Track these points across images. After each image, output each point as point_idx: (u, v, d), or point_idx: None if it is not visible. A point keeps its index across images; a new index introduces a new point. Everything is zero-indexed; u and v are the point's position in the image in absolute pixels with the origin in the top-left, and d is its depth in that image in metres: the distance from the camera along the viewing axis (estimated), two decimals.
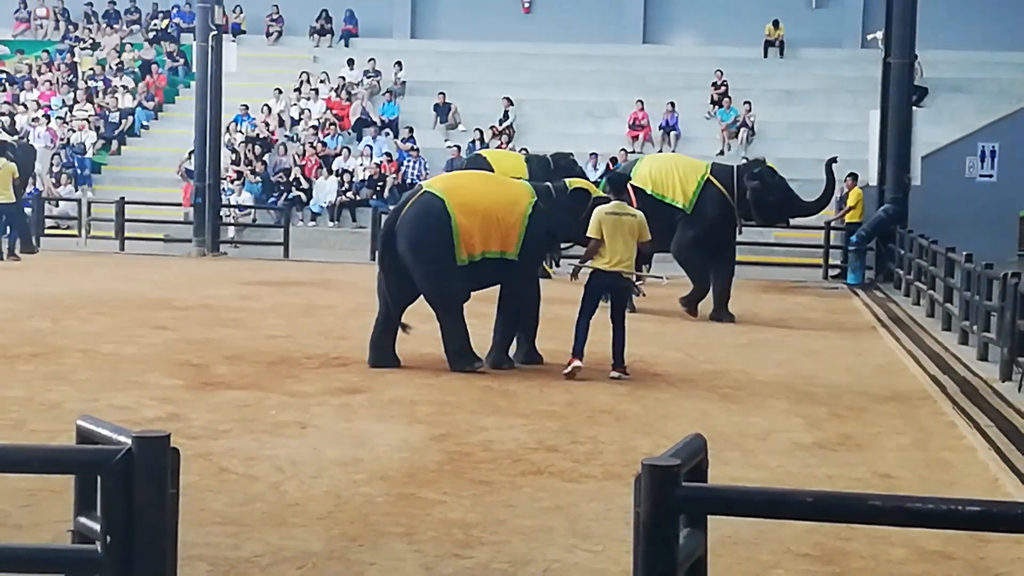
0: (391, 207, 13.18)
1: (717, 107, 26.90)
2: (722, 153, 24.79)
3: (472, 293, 10.92)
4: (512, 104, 26.91)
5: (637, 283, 11.91)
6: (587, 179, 15.06)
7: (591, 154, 23.78)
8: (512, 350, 11.09)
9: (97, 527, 3.81)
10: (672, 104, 26.41)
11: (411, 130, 26.24)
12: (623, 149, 24.40)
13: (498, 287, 11.05)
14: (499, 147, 24.26)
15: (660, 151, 24.46)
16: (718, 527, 3.66)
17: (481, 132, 25.78)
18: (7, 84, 28.80)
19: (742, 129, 25.95)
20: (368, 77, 28.48)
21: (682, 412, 9.35)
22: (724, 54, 28.86)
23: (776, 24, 29.26)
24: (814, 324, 15.00)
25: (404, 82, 28.47)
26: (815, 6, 30.20)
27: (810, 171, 20.30)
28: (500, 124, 26.43)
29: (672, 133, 26.18)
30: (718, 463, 3.87)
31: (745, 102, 26.34)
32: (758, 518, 3.41)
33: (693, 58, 29.32)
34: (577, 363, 10.55)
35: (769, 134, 26.21)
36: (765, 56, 29.31)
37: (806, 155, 23.64)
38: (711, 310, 14.91)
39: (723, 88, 27.06)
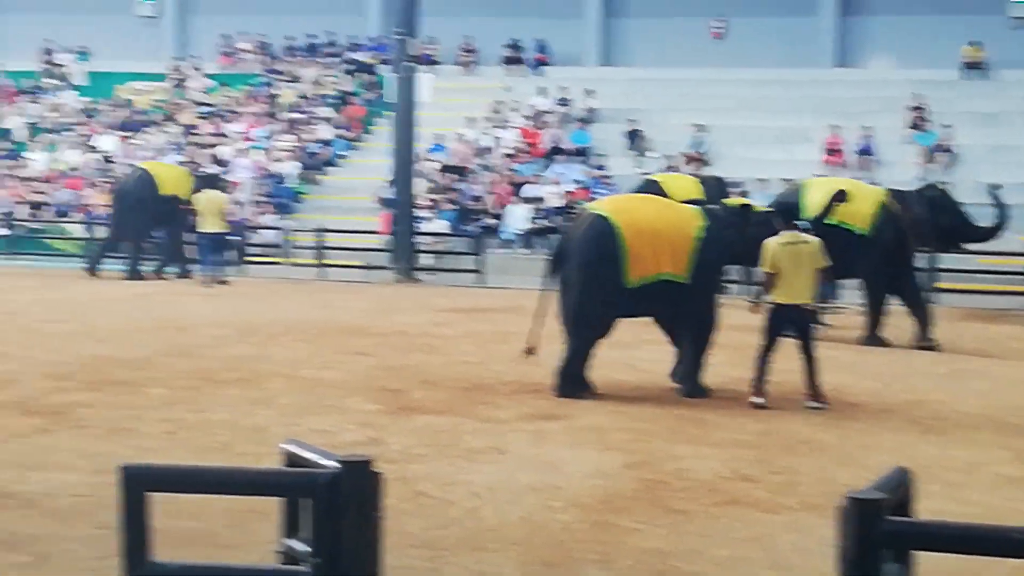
0: None
1: (914, 131, 26.28)
2: (921, 178, 24.21)
3: (632, 319, 10.85)
4: (703, 130, 26.78)
5: (820, 313, 11.64)
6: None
7: (758, 179, 23.45)
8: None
9: (304, 548, 3.92)
10: (867, 128, 25.90)
11: (602, 157, 26.33)
12: (816, 174, 24.04)
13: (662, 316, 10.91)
14: (692, 174, 24.22)
15: (854, 177, 24.00)
16: (922, 562, 3.59)
17: (671, 159, 25.71)
18: (213, 117, 29.92)
19: (941, 153, 25.28)
20: (559, 105, 28.71)
21: (881, 443, 9.14)
22: (920, 76, 28.20)
23: (976, 45, 28.47)
24: (1020, 354, 14.49)
25: (595, 109, 28.61)
26: (1015, 27, 29.28)
27: (1015, 196, 19.65)
28: (691, 150, 26.32)
29: (868, 158, 25.67)
30: (920, 496, 3.79)
31: (944, 125, 25.66)
32: (964, 554, 3.33)
33: (888, 81, 28.73)
34: (758, 399, 10.39)
35: (969, 158, 25.48)
36: (964, 78, 28.53)
37: (1010, 179, 22.89)
38: (911, 336, 14.55)
39: (920, 111, 26.43)
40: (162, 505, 3.89)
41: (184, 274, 21.40)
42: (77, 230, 24.87)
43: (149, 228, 21.61)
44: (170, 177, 21.73)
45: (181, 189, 21.32)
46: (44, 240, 25.76)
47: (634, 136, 27.30)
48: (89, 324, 14.96)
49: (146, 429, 9.04)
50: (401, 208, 22.69)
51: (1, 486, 7.39)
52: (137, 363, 12.01)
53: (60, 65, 31.46)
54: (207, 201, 20.44)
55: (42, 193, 26.31)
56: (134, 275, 21.15)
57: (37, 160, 27.73)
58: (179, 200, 21.16)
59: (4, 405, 9.74)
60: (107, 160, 27.52)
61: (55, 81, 31.06)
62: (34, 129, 29.47)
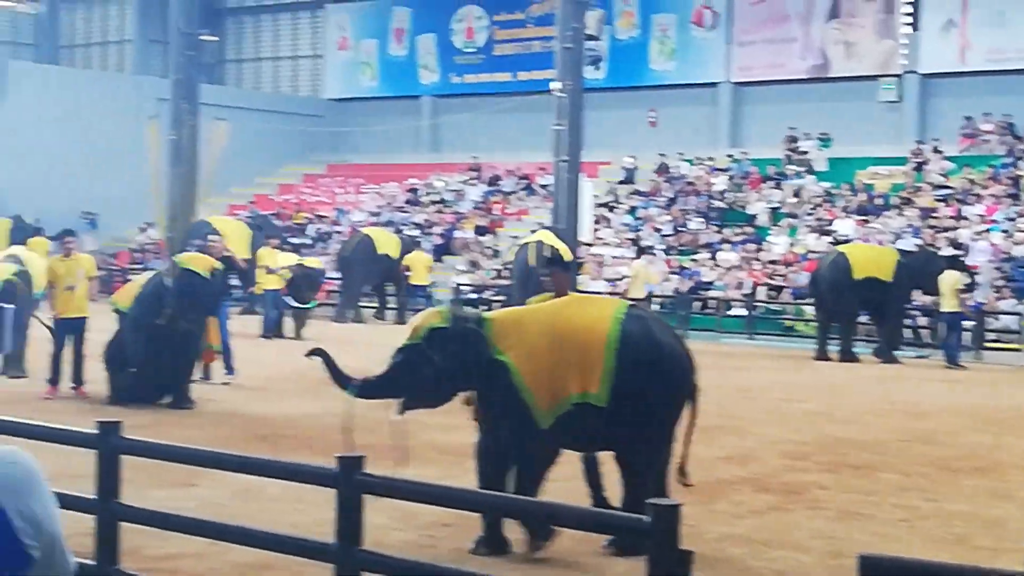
0: None
1: None
2: None
3: None
4: None
5: None
6: None
7: None
8: None
9: None
10: None
11: None
12: None
13: None
14: None
15: None
16: None
17: None
18: (951, 199, 29.40)
19: None
20: None
21: None
22: None
23: None
24: None
25: None
26: None
27: None
28: None
29: None
30: None
31: None
32: None
33: None
34: None
35: None
36: None
37: None
38: None
39: None
40: None
41: (891, 359, 21.07)
42: (814, 312, 25.40)
43: (856, 308, 21.69)
44: (866, 259, 21.65)
45: (880, 271, 21.15)
46: (782, 321, 26.61)
47: None
48: (826, 404, 15.21)
49: (881, 515, 9.00)
50: None
51: (739, 560, 7.69)
52: (873, 446, 12.01)
53: (803, 152, 32.53)
54: (945, 281, 20.30)
55: (781, 276, 27.23)
56: (847, 356, 21.15)
57: (778, 244, 28.78)
58: (879, 283, 21.03)
59: (741, 481, 10.13)
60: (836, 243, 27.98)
61: (797, 168, 32.15)
62: (776, 214, 30.64)
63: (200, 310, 13.90)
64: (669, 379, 7.63)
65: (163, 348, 13.33)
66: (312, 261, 23.29)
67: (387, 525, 7.77)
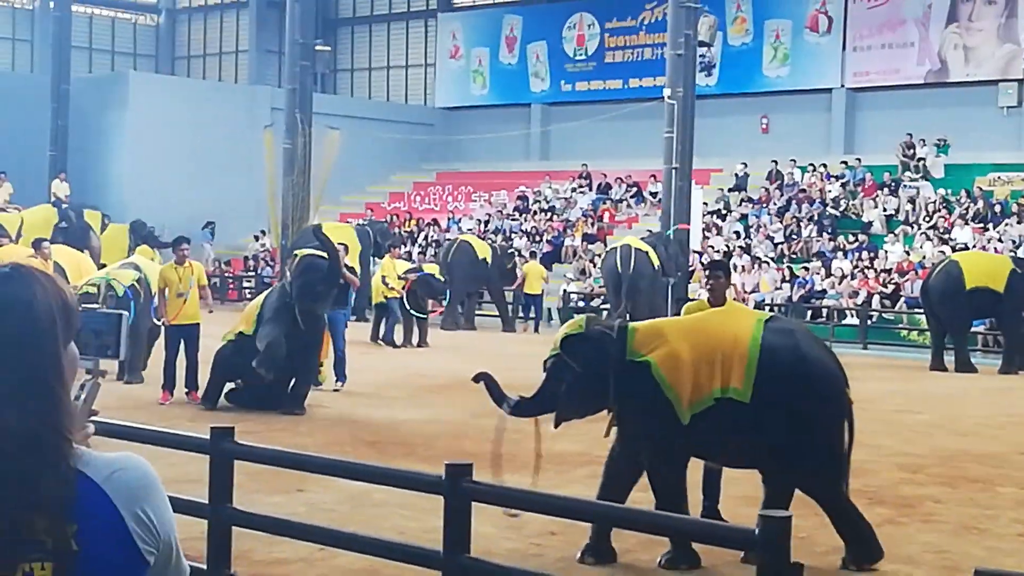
0: None
1: None
2: None
3: None
4: None
5: None
6: None
7: None
8: None
9: None
10: None
11: None
12: None
13: None
14: None
15: None
16: None
17: None
18: None
19: None
20: None
21: None
22: None
23: None
24: None
25: None
26: None
27: None
28: None
29: None
30: None
31: None
32: None
33: None
34: None
35: None
36: None
37: None
38: None
39: None
40: None
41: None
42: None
43: (969, 318, 21.22)
44: (978, 268, 21.09)
45: (993, 280, 20.61)
46: (897, 330, 26.15)
47: None
48: (942, 416, 14.90)
49: (997, 529, 8.79)
50: None
51: (850, 574, 7.56)
52: (990, 459, 11.74)
53: (920, 158, 31.97)
54: None
55: (895, 284, 26.77)
56: (963, 366, 20.65)
57: (893, 252, 28.30)
58: (992, 293, 20.50)
59: (855, 493, 9.92)
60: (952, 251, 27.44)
61: (913, 174, 31.61)
62: (891, 222, 30.14)
63: (325, 288, 13.88)
64: (813, 384, 7.49)
65: (289, 359, 13.45)
66: (431, 268, 23.46)
67: (494, 533, 7.78)
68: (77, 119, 34.07)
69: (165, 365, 14.21)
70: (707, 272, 8.64)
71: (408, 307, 22.16)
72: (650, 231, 29.04)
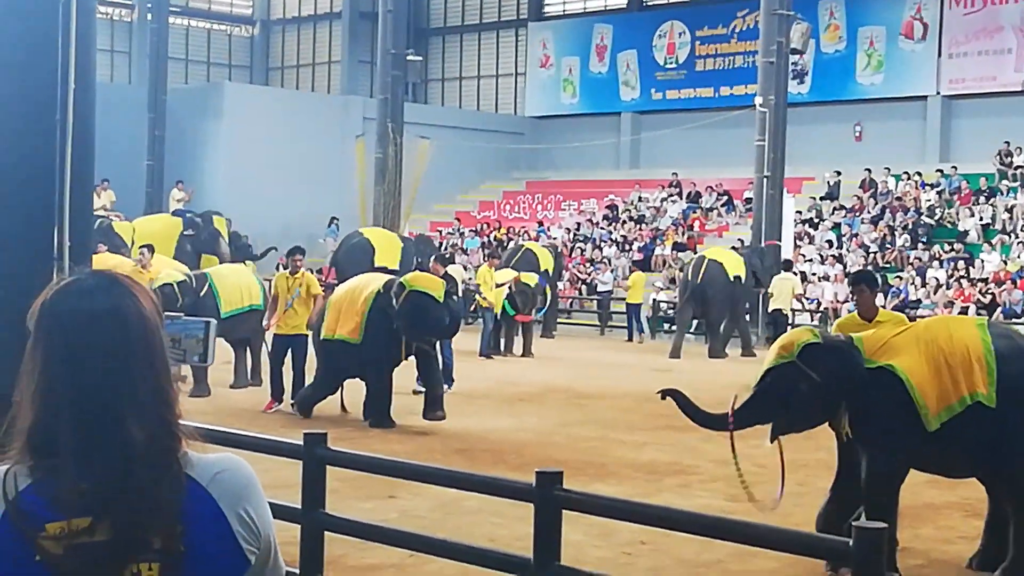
0: None
1: None
2: None
3: None
4: None
5: None
6: None
7: None
8: None
9: None
10: None
11: None
12: None
13: None
14: None
15: None
16: None
17: None
18: None
19: None
20: None
21: None
22: None
23: None
24: None
25: None
26: None
27: None
28: None
29: None
30: None
31: None
32: None
33: None
34: None
35: None
36: None
37: None
38: None
39: None
40: None
41: None
42: None
43: None
44: None
45: None
46: None
47: None
48: None
49: None
50: None
51: None
52: None
53: (1017, 167, 31.39)
54: None
55: (992, 295, 26.32)
56: None
57: (989, 261, 27.83)
58: None
59: (950, 506, 9.80)
60: None
61: (1010, 183, 31.04)
62: (988, 231, 29.63)
63: (434, 333, 13.60)
64: None
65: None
66: (528, 277, 23.45)
67: (585, 541, 7.78)
68: (173, 129, 34.66)
69: (271, 374, 14.23)
70: (850, 286, 8.60)
71: (508, 313, 22.16)
72: (741, 241, 28.83)
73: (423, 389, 15.17)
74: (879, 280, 9.66)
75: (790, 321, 24.03)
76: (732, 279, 23.75)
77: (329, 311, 13.68)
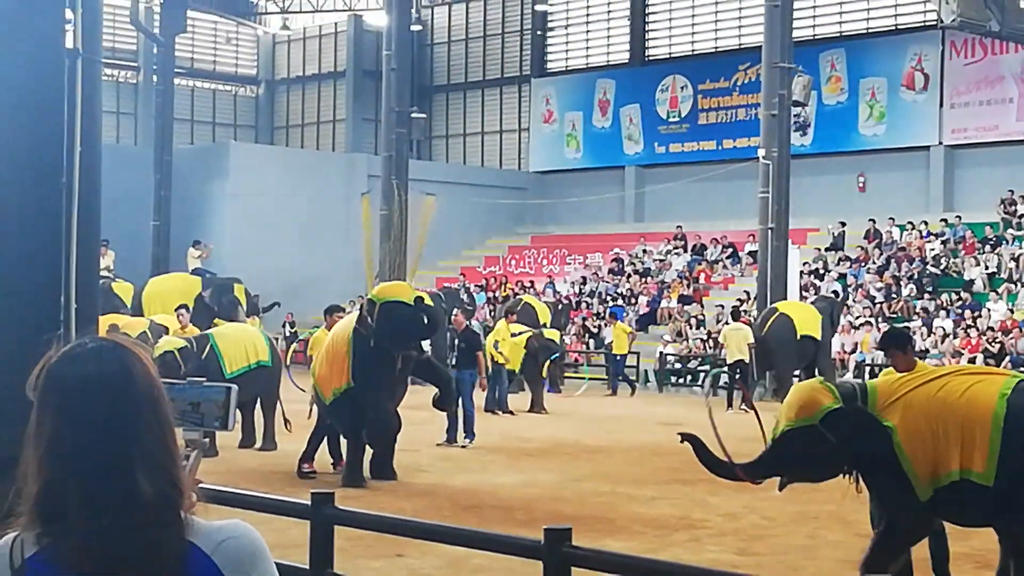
0: None
1: None
2: None
3: None
4: None
5: None
6: None
7: None
8: None
9: None
10: None
11: None
12: None
13: None
14: None
15: None
16: None
17: None
18: None
19: None
20: None
21: None
22: None
23: None
24: None
25: None
26: None
27: None
28: None
29: None
30: None
31: None
32: None
33: None
34: None
35: None
36: None
37: None
38: None
39: None
40: None
41: None
42: None
43: None
44: None
45: None
46: None
47: None
48: None
49: None
50: None
51: None
52: None
53: (1021, 215, 31.43)
54: None
55: (999, 343, 26.27)
56: None
57: (996, 310, 27.80)
58: None
59: (962, 557, 9.70)
60: None
61: (1015, 232, 31.07)
62: (994, 280, 29.62)
63: (416, 335, 13.38)
64: None
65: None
66: (551, 333, 23.42)
67: None
68: (179, 189, 34.77)
69: (313, 432, 13.89)
70: (883, 352, 8.49)
71: (522, 372, 22.21)
72: (747, 293, 28.79)
73: (468, 443, 15.20)
74: (909, 335, 9.52)
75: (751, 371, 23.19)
76: (797, 333, 23.45)
77: (320, 368, 13.54)
